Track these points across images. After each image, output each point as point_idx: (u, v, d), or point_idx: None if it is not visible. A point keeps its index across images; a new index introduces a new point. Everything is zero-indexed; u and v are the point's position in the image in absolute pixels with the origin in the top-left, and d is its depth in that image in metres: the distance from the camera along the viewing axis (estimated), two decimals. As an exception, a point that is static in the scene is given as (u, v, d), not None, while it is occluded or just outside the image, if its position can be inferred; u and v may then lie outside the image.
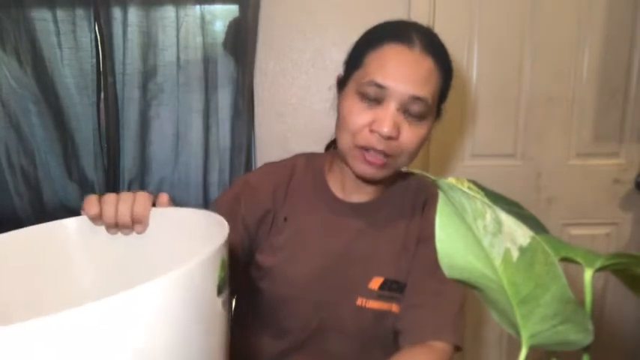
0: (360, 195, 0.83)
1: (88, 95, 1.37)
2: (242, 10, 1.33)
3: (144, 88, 1.37)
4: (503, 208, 0.29)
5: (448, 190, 0.30)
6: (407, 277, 0.79)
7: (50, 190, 1.39)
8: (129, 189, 1.40)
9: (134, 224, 0.59)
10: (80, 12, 1.33)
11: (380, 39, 0.75)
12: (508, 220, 0.29)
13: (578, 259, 0.31)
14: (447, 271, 0.32)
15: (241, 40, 1.34)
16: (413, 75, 0.71)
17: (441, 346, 0.72)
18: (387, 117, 0.71)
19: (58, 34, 1.33)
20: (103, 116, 1.38)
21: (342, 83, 0.80)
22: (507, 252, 0.29)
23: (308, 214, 0.82)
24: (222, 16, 1.37)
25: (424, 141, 0.77)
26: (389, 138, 0.72)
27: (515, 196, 0.39)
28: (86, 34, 1.34)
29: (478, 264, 0.30)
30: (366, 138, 0.73)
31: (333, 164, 0.85)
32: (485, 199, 0.29)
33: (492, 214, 0.29)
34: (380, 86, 0.71)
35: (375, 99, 0.73)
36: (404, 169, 0.72)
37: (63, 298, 0.54)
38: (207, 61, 1.36)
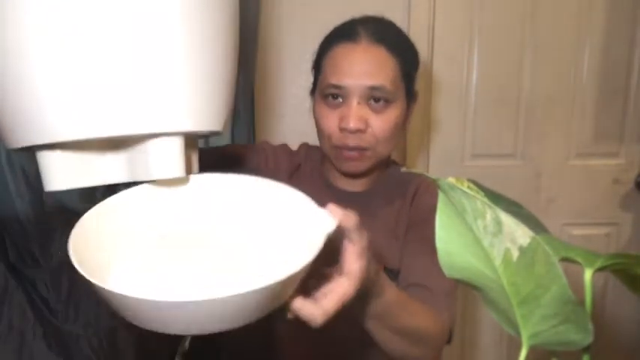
0: (354, 185, 0.87)
1: (88, 95, 1.37)
2: (242, 10, 1.33)
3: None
4: (503, 208, 0.29)
5: (448, 190, 0.30)
6: (398, 265, 0.80)
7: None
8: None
9: None
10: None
11: (330, 42, 0.80)
12: (508, 220, 0.29)
13: (578, 259, 0.31)
14: (447, 271, 0.32)
15: (241, 40, 1.34)
16: (363, 68, 0.76)
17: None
18: (350, 113, 0.75)
19: (58, 34, 1.33)
20: (103, 116, 1.38)
21: (313, 89, 0.85)
22: (507, 252, 0.29)
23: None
24: (222, 16, 1.37)
25: (398, 125, 0.79)
26: (358, 131, 0.75)
27: (515, 196, 0.39)
28: (86, 34, 1.34)
29: (478, 264, 0.30)
30: (339, 138, 0.77)
31: (326, 158, 0.88)
32: (485, 199, 0.29)
33: (492, 214, 0.29)
34: (337, 87, 0.76)
35: (337, 99, 0.77)
36: (403, 169, 0.72)
37: None
38: (208, 61, 1.36)
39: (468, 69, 1.44)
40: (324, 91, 0.78)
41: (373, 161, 0.80)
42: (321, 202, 0.83)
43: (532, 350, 0.30)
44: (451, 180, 0.33)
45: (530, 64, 1.43)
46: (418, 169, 1.45)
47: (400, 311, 0.62)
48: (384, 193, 0.87)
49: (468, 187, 0.37)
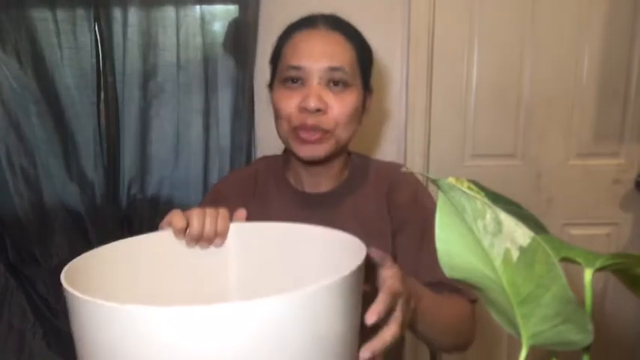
0: (319, 185, 0.86)
1: (88, 95, 1.37)
2: (242, 10, 1.33)
3: (144, 88, 1.37)
4: (503, 208, 0.29)
5: (448, 190, 0.30)
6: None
7: (50, 190, 1.39)
8: (129, 189, 1.40)
9: (216, 238, 0.63)
10: (80, 12, 1.33)
11: (289, 32, 0.83)
12: (508, 220, 0.29)
13: (578, 260, 0.31)
14: (447, 271, 0.32)
15: (241, 41, 1.34)
16: (323, 49, 0.78)
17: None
18: (310, 92, 0.76)
19: (58, 34, 1.33)
20: (103, 116, 1.37)
21: (270, 85, 0.86)
22: (507, 252, 0.29)
23: (277, 213, 0.85)
24: (222, 17, 1.37)
25: (357, 111, 0.81)
26: (318, 111, 0.76)
27: (515, 196, 0.39)
28: (86, 34, 1.34)
29: (478, 264, 0.30)
30: (299, 118, 0.78)
31: (288, 162, 0.89)
32: (485, 199, 0.29)
33: (492, 214, 0.29)
34: (296, 67, 0.78)
35: (297, 81, 0.78)
36: (403, 170, 0.73)
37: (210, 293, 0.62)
38: (207, 62, 1.36)
39: (468, 69, 1.44)
40: (284, 75, 0.79)
41: (333, 146, 0.80)
42: (291, 210, 0.84)
43: (532, 350, 0.30)
44: (451, 180, 0.33)
45: (530, 64, 1.43)
46: (418, 169, 1.45)
47: (435, 309, 0.69)
48: (355, 191, 0.86)
49: (468, 187, 0.37)
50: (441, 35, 1.41)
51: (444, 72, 1.43)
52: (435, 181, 0.30)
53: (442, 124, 1.46)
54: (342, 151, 0.85)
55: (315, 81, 0.77)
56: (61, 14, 1.33)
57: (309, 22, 0.81)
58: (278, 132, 0.84)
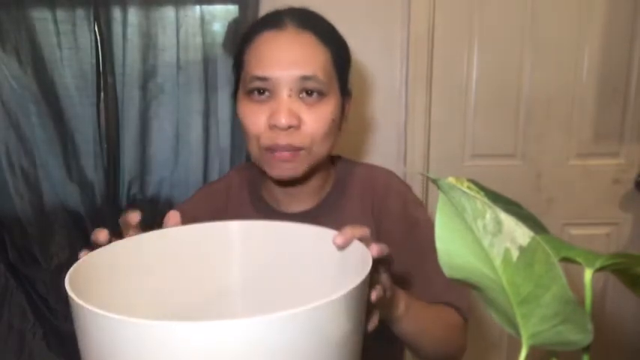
0: (297, 204, 0.77)
1: (88, 95, 1.37)
2: (242, 10, 1.33)
3: (144, 88, 1.37)
4: (502, 208, 0.29)
5: (448, 190, 0.30)
6: None
7: (50, 190, 1.39)
8: (129, 189, 1.40)
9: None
10: (80, 12, 1.33)
11: (252, 33, 0.71)
12: (508, 220, 0.29)
13: (578, 259, 0.31)
14: (447, 271, 0.32)
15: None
16: (293, 56, 0.67)
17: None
18: (280, 107, 0.66)
19: (57, 34, 1.33)
20: (103, 116, 1.38)
21: (234, 93, 0.75)
22: (507, 252, 0.29)
23: None
24: (221, 17, 1.37)
25: (335, 122, 0.71)
26: (290, 128, 0.67)
27: (515, 196, 0.39)
28: (86, 34, 1.34)
29: (478, 264, 0.30)
30: (269, 137, 0.68)
31: (263, 177, 0.79)
32: (485, 199, 0.29)
33: (492, 213, 0.29)
34: (262, 79, 0.67)
35: (264, 93, 0.68)
36: (409, 171, 0.71)
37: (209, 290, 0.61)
38: (207, 62, 1.36)
39: (468, 69, 1.44)
40: (248, 86, 0.68)
41: (309, 163, 0.70)
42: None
43: (532, 350, 0.30)
44: (451, 180, 0.33)
45: (530, 64, 1.43)
46: (418, 169, 1.45)
47: (423, 313, 0.65)
48: (336, 209, 0.77)
49: (468, 187, 0.37)
50: (441, 35, 1.41)
51: (444, 72, 1.43)
52: (435, 181, 0.30)
53: (442, 124, 1.46)
54: (320, 166, 0.75)
55: (284, 93, 0.66)
56: (60, 14, 1.33)
57: (274, 22, 0.70)
58: (249, 151, 0.73)
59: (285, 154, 0.68)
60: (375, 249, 0.49)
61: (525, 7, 1.41)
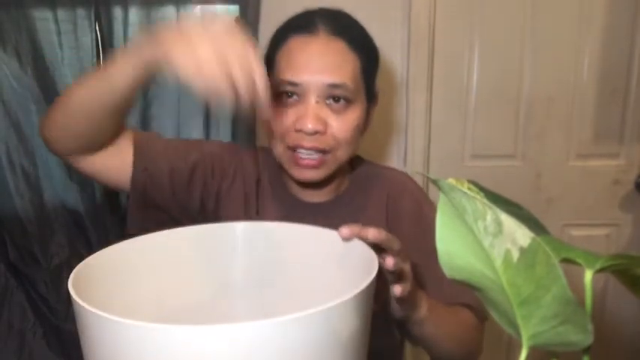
0: (316, 195, 0.79)
1: (89, 95, 1.37)
2: (242, 10, 1.33)
3: (144, 88, 1.37)
4: (503, 209, 0.29)
5: (448, 190, 0.30)
6: None
7: (50, 190, 1.39)
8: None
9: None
10: (81, 12, 1.33)
11: (284, 35, 0.72)
12: (508, 221, 0.29)
13: (579, 260, 0.31)
14: (448, 272, 0.32)
15: (241, 40, 1.34)
16: (323, 63, 0.69)
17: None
18: (307, 113, 0.68)
19: (58, 33, 1.33)
20: (103, 116, 1.37)
21: None
22: (508, 253, 0.29)
23: (271, 213, 0.79)
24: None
25: (359, 127, 0.74)
26: (316, 133, 0.69)
27: (515, 197, 0.39)
28: (87, 33, 1.34)
29: (478, 265, 0.30)
30: (295, 138, 0.70)
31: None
32: (486, 200, 0.29)
33: (493, 214, 0.29)
34: (292, 83, 0.69)
35: (292, 96, 0.70)
36: (403, 171, 0.71)
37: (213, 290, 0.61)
38: (208, 61, 1.36)
39: (468, 69, 1.44)
40: (278, 88, 0.70)
41: (331, 168, 0.73)
42: (285, 214, 0.76)
43: (532, 351, 0.30)
44: (451, 181, 0.33)
45: (530, 64, 1.43)
46: (418, 169, 1.45)
47: (439, 312, 0.66)
48: (351, 203, 0.79)
49: (468, 187, 0.37)
50: (441, 35, 1.41)
51: (444, 72, 1.43)
52: (435, 182, 0.30)
53: (442, 124, 1.46)
54: (342, 168, 0.77)
55: (312, 99, 0.68)
56: (61, 14, 1.33)
57: (307, 26, 0.71)
58: (272, 149, 0.75)
59: (311, 160, 0.70)
60: (391, 262, 0.51)
61: (525, 8, 1.41)
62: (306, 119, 0.68)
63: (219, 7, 1.38)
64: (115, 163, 0.72)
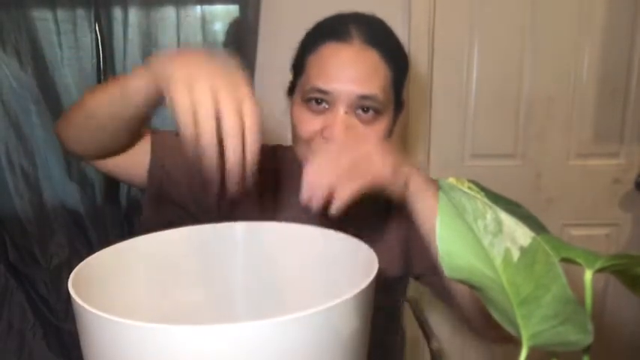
0: None
1: (89, 95, 1.37)
2: (242, 10, 1.33)
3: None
4: (503, 208, 0.29)
5: (449, 190, 0.30)
6: (403, 270, 0.78)
7: (50, 190, 1.39)
8: (129, 189, 1.39)
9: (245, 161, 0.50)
10: (81, 12, 1.33)
11: (317, 40, 0.72)
12: (508, 220, 0.29)
13: (579, 260, 0.31)
14: (448, 271, 0.32)
15: (242, 41, 1.34)
16: (355, 73, 0.67)
17: None
18: (336, 122, 0.67)
19: (58, 34, 1.33)
20: (103, 116, 1.37)
21: (291, 90, 0.76)
22: (508, 252, 0.29)
23: (287, 210, 0.78)
24: (222, 16, 1.37)
25: (385, 137, 0.73)
26: None
27: (515, 196, 0.39)
28: (87, 34, 1.34)
29: (478, 264, 0.30)
30: (321, 144, 0.69)
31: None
32: (486, 199, 0.29)
33: (493, 214, 0.29)
34: (323, 92, 0.68)
35: (322, 104, 0.69)
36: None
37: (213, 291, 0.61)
38: (208, 61, 1.36)
39: (468, 69, 1.44)
40: (307, 95, 0.70)
41: None
42: (297, 213, 0.77)
43: (532, 351, 0.30)
44: (451, 180, 0.33)
45: (530, 64, 1.43)
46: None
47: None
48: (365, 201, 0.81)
49: (468, 187, 0.37)
50: (441, 35, 1.41)
51: (444, 72, 1.43)
52: (435, 182, 0.30)
53: (442, 125, 1.46)
54: None
55: (342, 109, 0.67)
56: (61, 14, 1.33)
57: (341, 33, 0.69)
58: (295, 151, 0.74)
59: None
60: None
61: (525, 8, 1.41)
62: (334, 129, 0.67)
63: (220, 7, 1.38)
64: (132, 163, 0.74)
